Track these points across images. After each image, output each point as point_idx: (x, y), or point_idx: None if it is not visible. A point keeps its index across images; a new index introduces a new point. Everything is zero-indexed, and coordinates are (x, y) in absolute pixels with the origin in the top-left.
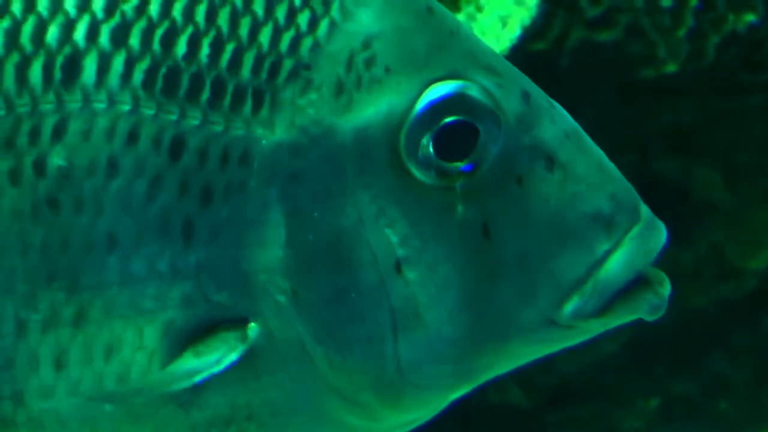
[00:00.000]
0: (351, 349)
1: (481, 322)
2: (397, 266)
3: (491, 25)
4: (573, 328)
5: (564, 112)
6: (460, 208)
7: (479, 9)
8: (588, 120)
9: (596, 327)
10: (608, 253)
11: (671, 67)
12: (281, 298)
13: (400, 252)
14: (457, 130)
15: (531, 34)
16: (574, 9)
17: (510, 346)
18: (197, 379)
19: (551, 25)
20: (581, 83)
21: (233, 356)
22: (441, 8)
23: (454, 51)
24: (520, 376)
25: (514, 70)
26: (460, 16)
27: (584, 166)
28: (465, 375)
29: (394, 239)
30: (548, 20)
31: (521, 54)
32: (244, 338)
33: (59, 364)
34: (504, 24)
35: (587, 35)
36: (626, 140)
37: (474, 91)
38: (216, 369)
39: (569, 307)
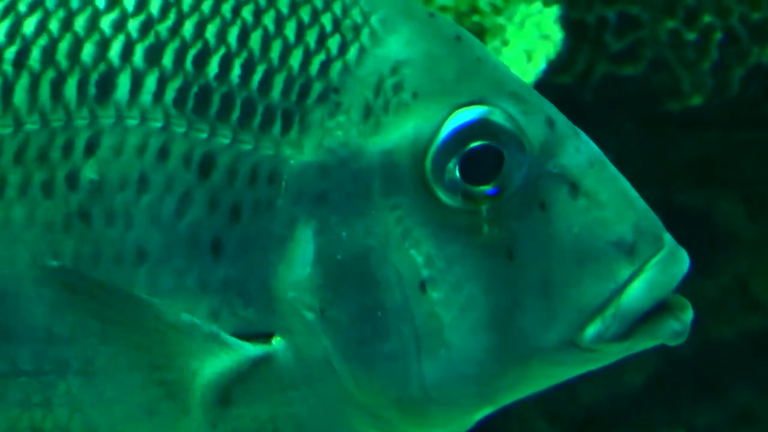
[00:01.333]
0: (376, 367)
1: (504, 343)
2: (422, 286)
3: (516, 58)
4: (594, 352)
5: (588, 140)
6: (484, 230)
7: (505, 43)
8: (612, 152)
9: (618, 351)
10: (630, 279)
11: (696, 100)
12: (309, 315)
13: (425, 272)
14: (483, 155)
15: (556, 67)
16: (599, 43)
17: (532, 368)
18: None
19: (576, 59)
20: (606, 116)
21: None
22: (469, 36)
23: (480, 78)
24: (544, 406)
25: (540, 98)
26: None
27: (608, 193)
28: (488, 395)
29: (419, 260)
30: (573, 54)
31: (546, 87)
32: (267, 353)
33: (86, 373)
34: (529, 58)
35: (612, 69)
36: (650, 172)
37: (499, 117)
38: (240, 368)
39: (591, 330)
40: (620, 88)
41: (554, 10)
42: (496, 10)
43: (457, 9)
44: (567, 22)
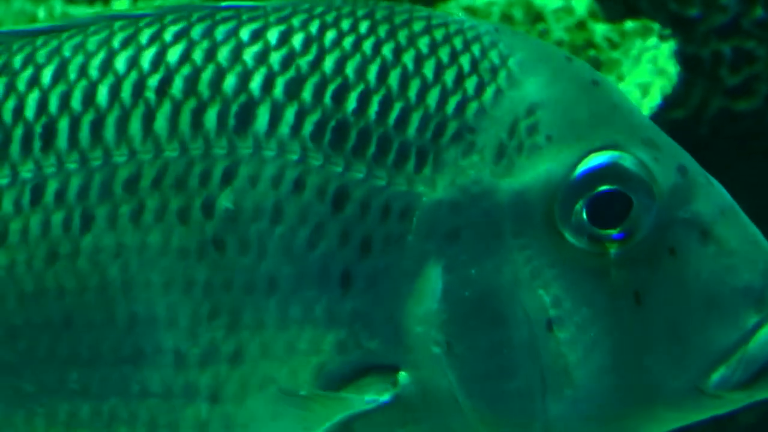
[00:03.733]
0: (501, 403)
1: (628, 385)
2: (549, 326)
3: (632, 93)
4: (718, 398)
5: (721, 188)
6: (612, 273)
7: (620, 77)
8: (725, 187)
9: (741, 398)
10: (757, 327)
11: None
12: (436, 350)
13: (552, 312)
14: (611, 199)
15: (670, 102)
16: (714, 78)
17: (655, 412)
18: (347, 414)
19: (691, 94)
20: (720, 151)
21: (385, 397)
22: (606, 81)
23: (614, 123)
24: None
25: (674, 145)
26: None
27: (738, 241)
28: None
29: (547, 300)
30: (688, 89)
31: (661, 122)
32: (394, 384)
33: (215, 399)
34: (645, 92)
35: (726, 104)
36: (764, 209)
37: (629, 162)
38: (366, 407)
39: (716, 376)
40: (735, 123)
41: (670, 45)
42: (612, 45)
43: (573, 43)
44: (682, 57)
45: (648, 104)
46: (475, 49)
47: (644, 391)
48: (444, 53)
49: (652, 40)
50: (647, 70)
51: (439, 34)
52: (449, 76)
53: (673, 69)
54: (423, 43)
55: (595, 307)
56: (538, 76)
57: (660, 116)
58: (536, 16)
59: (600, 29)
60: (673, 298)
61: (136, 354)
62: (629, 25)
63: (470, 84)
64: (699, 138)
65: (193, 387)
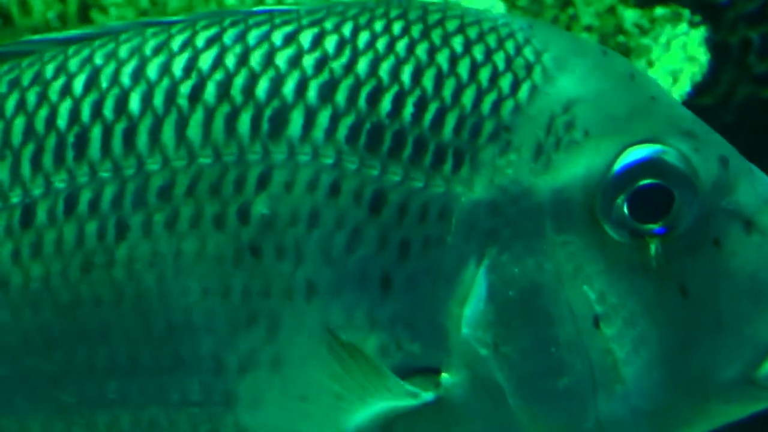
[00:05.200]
0: (552, 402)
1: (679, 379)
2: (595, 322)
3: (662, 79)
4: None
5: (764, 176)
6: (656, 267)
7: (650, 64)
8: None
9: None
10: None
11: None
12: (483, 351)
13: (598, 308)
14: (652, 194)
15: (699, 89)
16: (742, 65)
17: (707, 404)
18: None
19: (719, 81)
20: (746, 138)
21: (429, 395)
22: (643, 74)
23: (653, 116)
24: None
25: (715, 135)
26: None
27: None
28: (662, 430)
29: (592, 296)
30: (716, 75)
31: (689, 108)
32: (436, 386)
33: (255, 405)
34: (675, 79)
35: (754, 91)
36: None
37: (670, 157)
38: (409, 402)
39: (767, 368)
40: (762, 111)
41: (700, 32)
42: (642, 31)
43: (602, 29)
44: (711, 44)
45: (677, 91)
46: (509, 46)
47: (694, 385)
48: (478, 52)
49: (682, 27)
50: (677, 57)
51: (472, 33)
52: (484, 75)
53: (703, 56)
54: (457, 42)
55: (641, 301)
56: (574, 72)
57: (688, 103)
58: (566, 1)
59: (630, 15)
60: (719, 289)
61: (174, 362)
62: (659, 11)
63: (505, 82)
64: (725, 125)
65: (232, 394)
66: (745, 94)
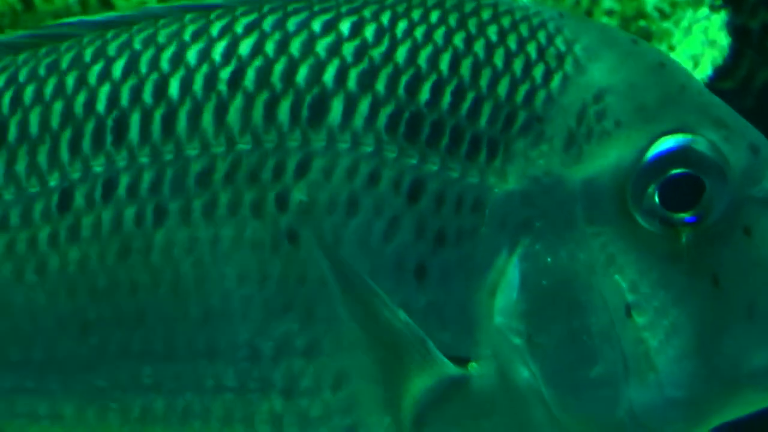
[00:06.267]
0: (584, 392)
1: (711, 367)
2: (627, 311)
3: (683, 64)
4: None
5: None
6: (687, 256)
7: (671, 48)
8: None
9: None
10: None
11: None
12: (516, 341)
13: (630, 297)
14: (683, 183)
15: (720, 73)
16: (762, 49)
17: (739, 393)
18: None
19: (739, 65)
20: (766, 123)
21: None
22: (673, 63)
23: (683, 105)
24: None
25: (744, 123)
26: None
27: None
28: (695, 419)
29: (624, 285)
30: (737, 60)
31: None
32: (466, 375)
33: (289, 393)
34: (696, 63)
35: None
36: None
37: (701, 146)
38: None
39: None
40: None
41: (721, 16)
42: (663, 15)
43: (624, 13)
44: (732, 28)
45: (698, 76)
46: (541, 35)
47: (727, 373)
48: (512, 41)
49: (703, 11)
50: (698, 42)
51: (506, 22)
52: (518, 65)
53: (724, 40)
54: (492, 32)
55: (673, 290)
56: (605, 61)
57: (709, 87)
58: None
59: None
60: (750, 277)
61: (210, 348)
62: None
63: (538, 72)
64: (746, 109)
65: (267, 381)
66: (766, 78)
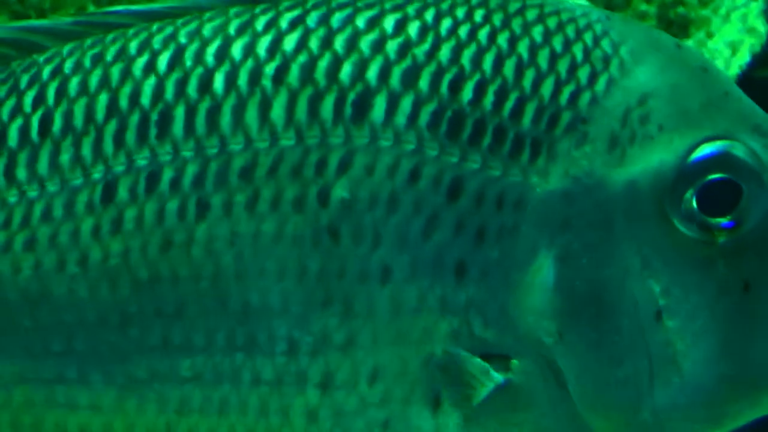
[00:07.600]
0: (610, 391)
1: (735, 373)
2: (658, 315)
3: (721, 51)
4: None
5: None
6: (721, 262)
7: (709, 35)
8: None
9: None
10: None
11: None
12: (548, 340)
13: (662, 301)
14: (721, 188)
15: (759, 60)
16: None
17: (761, 397)
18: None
19: None
20: None
21: (500, 377)
22: (715, 68)
23: (725, 111)
24: None
25: None
26: (690, 42)
27: None
28: (715, 420)
29: (657, 289)
30: None
31: (747, 80)
32: (506, 371)
33: (325, 386)
34: (734, 51)
35: None
36: None
37: (740, 152)
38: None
39: None
40: None
41: (759, 4)
42: (702, 2)
43: (662, 0)
44: None
45: (737, 63)
46: (588, 38)
47: (751, 378)
48: (557, 42)
49: None
50: (737, 29)
51: (552, 23)
52: (563, 66)
53: (762, 27)
54: (537, 32)
55: (704, 295)
56: (650, 65)
57: (747, 75)
58: None
59: None
60: None
61: (248, 342)
62: None
63: (583, 73)
64: None
65: (304, 375)
66: None
